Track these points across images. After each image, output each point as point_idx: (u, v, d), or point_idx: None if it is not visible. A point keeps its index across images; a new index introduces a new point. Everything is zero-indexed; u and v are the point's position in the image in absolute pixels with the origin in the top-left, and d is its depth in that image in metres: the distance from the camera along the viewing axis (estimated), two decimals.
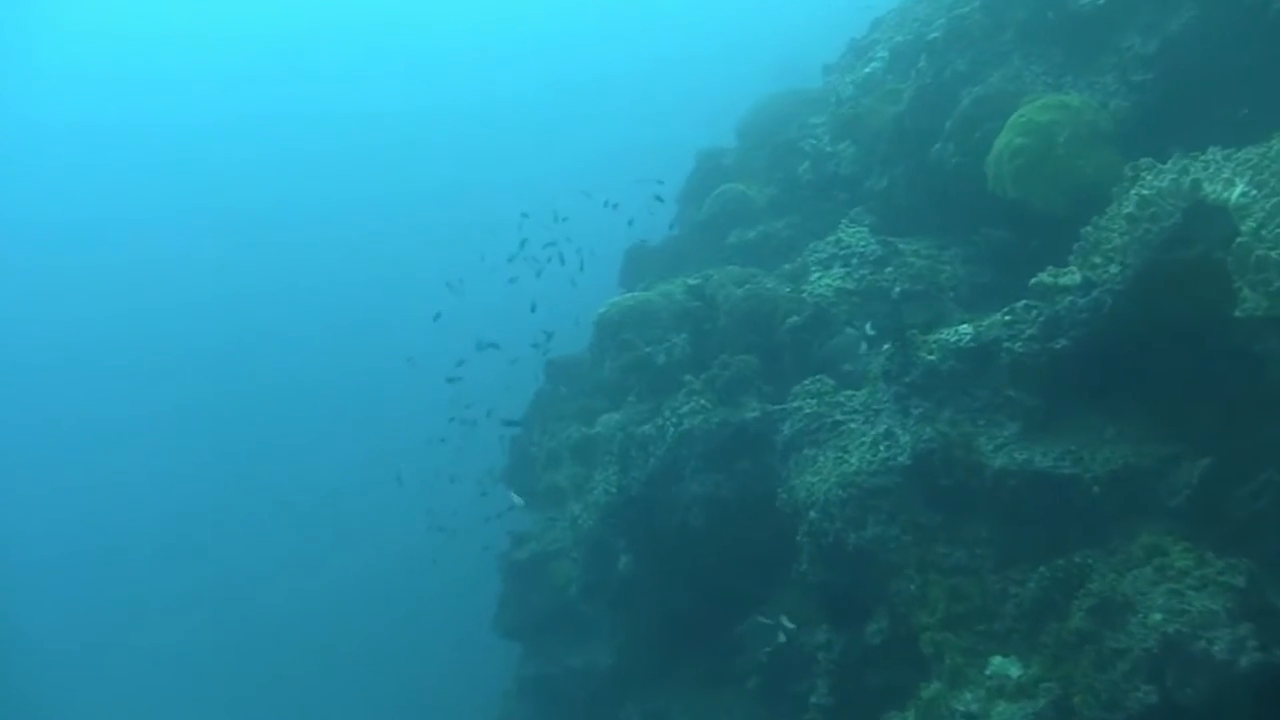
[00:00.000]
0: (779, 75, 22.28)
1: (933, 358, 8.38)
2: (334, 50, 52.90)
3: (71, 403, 44.68)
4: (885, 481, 8.17)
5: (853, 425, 9.19)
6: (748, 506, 9.96)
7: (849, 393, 9.60)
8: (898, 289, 10.23)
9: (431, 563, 23.89)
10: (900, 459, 8.18)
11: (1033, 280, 7.99)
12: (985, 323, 8.25)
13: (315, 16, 53.46)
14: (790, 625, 9.24)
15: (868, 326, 9.83)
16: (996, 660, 6.76)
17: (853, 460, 8.60)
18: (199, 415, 43.38)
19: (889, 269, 10.53)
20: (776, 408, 10.03)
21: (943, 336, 8.47)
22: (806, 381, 9.90)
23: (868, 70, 14.02)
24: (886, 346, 8.86)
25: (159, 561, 37.71)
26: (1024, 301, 7.94)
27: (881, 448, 8.45)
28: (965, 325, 8.39)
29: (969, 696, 6.69)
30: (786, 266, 11.57)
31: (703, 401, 10.53)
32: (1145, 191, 6.84)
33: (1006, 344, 7.81)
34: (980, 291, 9.99)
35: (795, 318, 10.53)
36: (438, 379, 18.55)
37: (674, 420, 10.66)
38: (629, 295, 13.10)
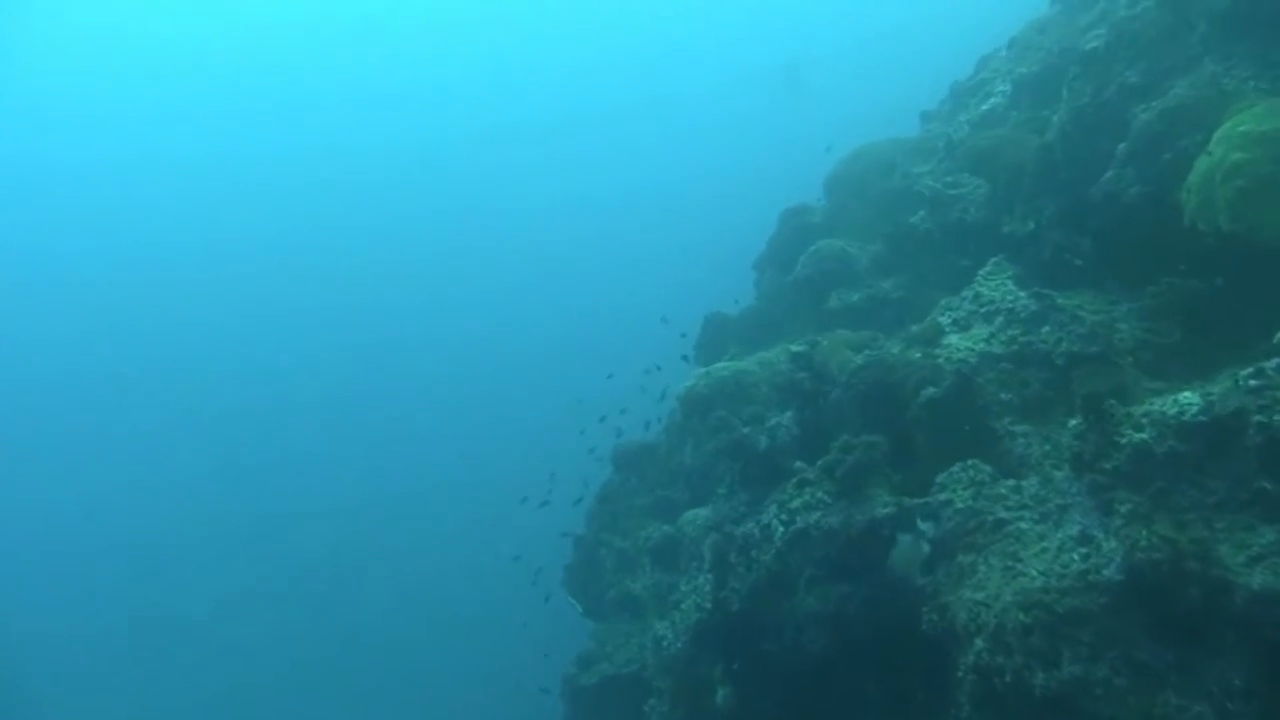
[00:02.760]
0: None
1: (1144, 436, 6.36)
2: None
3: (108, 410, 49.08)
4: (1087, 602, 6.32)
5: (1023, 525, 7.33)
6: (881, 628, 8.23)
7: (1012, 483, 7.59)
8: (1062, 351, 8.19)
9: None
10: (1106, 572, 6.32)
11: None
12: (1217, 390, 6.24)
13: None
14: None
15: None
16: None
17: (1033, 572, 6.76)
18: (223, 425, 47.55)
19: (1046, 328, 8.52)
20: (917, 502, 8.03)
21: (1155, 408, 6.44)
22: (956, 468, 7.94)
23: (986, 107, 12.38)
24: (1074, 422, 6.82)
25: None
26: (1276, 360, 5.91)
27: (1076, 556, 6.62)
28: (1188, 393, 6.38)
29: None
30: (914, 328, 9.61)
31: (819, 494, 8.87)
32: None
33: (1257, 417, 5.87)
34: (1168, 355, 7.97)
35: (932, 389, 8.57)
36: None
37: (783, 517, 9.04)
38: (721, 366, 11.23)
